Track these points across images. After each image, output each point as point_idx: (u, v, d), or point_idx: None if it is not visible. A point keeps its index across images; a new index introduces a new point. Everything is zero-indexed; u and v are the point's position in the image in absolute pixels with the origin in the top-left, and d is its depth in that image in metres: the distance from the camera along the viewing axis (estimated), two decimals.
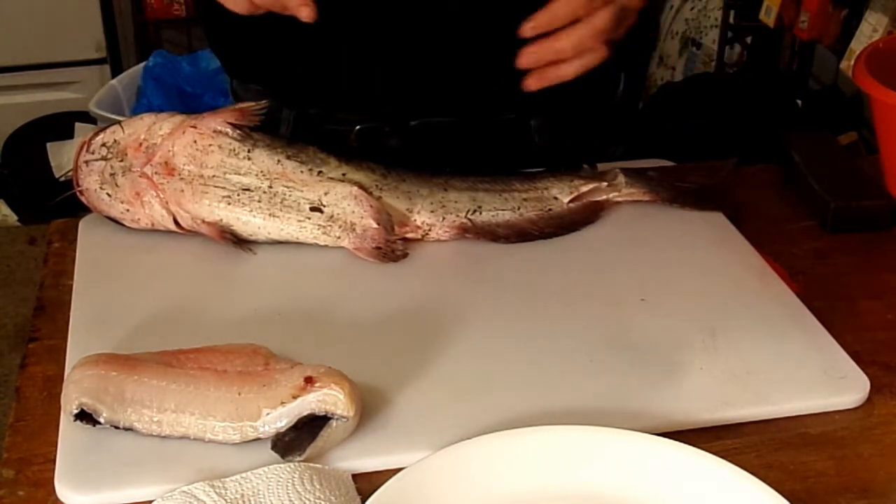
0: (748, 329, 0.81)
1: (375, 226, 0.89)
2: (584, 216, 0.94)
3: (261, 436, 0.69)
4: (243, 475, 0.66)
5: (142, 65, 2.72)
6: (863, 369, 0.77)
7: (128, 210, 0.90)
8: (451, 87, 1.01)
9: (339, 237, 0.89)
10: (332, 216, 0.89)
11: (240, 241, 0.90)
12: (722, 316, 0.82)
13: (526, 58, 0.83)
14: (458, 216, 0.92)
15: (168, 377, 0.70)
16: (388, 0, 0.97)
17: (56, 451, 0.69)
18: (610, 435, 0.68)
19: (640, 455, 0.67)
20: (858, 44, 2.26)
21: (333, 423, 0.68)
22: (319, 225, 0.89)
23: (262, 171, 0.89)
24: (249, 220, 0.89)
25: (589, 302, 0.84)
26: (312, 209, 0.89)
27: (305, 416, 0.68)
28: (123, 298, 0.84)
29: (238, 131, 0.89)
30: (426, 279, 0.87)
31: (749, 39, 2.88)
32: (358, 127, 1.04)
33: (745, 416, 0.74)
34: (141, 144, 0.89)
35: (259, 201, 0.89)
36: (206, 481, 0.66)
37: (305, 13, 0.81)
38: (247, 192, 0.89)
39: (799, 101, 2.64)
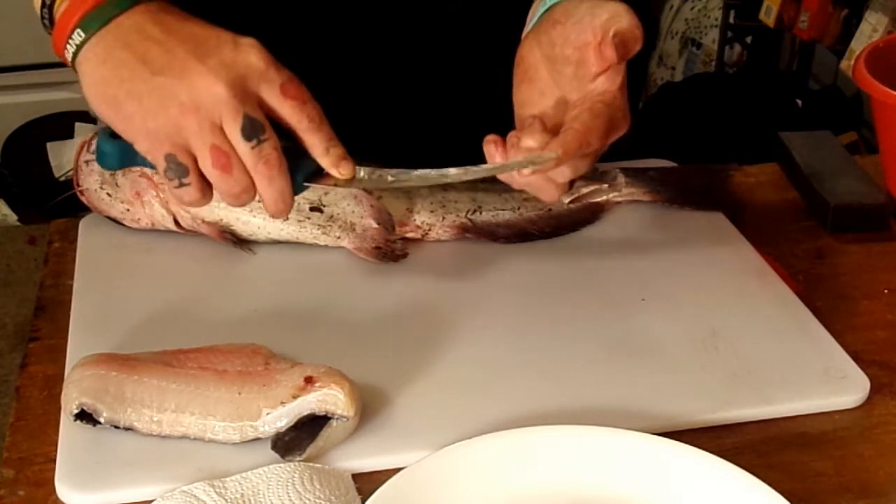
0: (748, 329, 0.81)
1: (375, 226, 0.89)
2: (585, 216, 0.94)
3: (261, 436, 0.69)
4: (243, 475, 0.66)
5: None
6: (863, 369, 0.77)
7: (128, 210, 0.90)
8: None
9: (339, 237, 0.89)
10: (332, 216, 0.89)
11: (240, 241, 0.90)
12: (722, 316, 0.82)
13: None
14: (458, 216, 0.92)
15: (168, 377, 0.70)
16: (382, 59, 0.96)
17: (56, 450, 0.69)
18: (610, 435, 0.68)
19: (640, 455, 0.67)
20: (858, 44, 2.26)
21: (333, 423, 0.68)
22: (319, 225, 0.89)
23: None
24: (249, 220, 0.89)
25: (589, 302, 0.84)
26: (312, 209, 0.89)
27: (305, 416, 0.68)
28: (123, 298, 0.84)
29: None
30: (426, 279, 0.87)
31: (749, 39, 2.88)
32: None
33: (745, 416, 0.74)
34: None
35: (259, 201, 0.88)
36: (206, 481, 0.66)
37: (345, 169, 0.72)
38: None
39: (799, 101, 2.64)
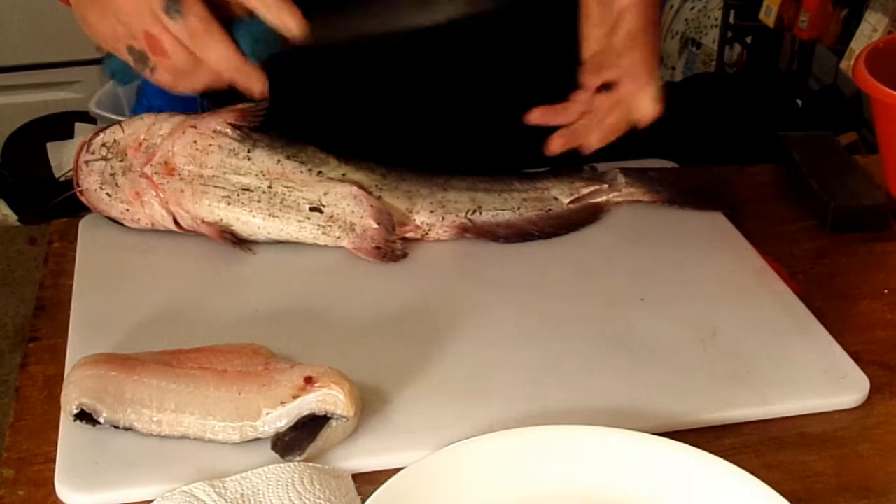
0: (748, 329, 0.81)
1: (375, 225, 0.89)
2: (585, 216, 0.94)
3: (261, 436, 0.69)
4: (243, 475, 0.66)
5: None
6: (863, 369, 0.77)
7: (128, 210, 0.90)
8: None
9: (339, 237, 0.89)
10: (331, 216, 0.89)
11: (240, 241, 0.90)
12: (722, 316, 0.82)
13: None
14: (458, 216, 0.92)
15: (168, 377, 0.70)
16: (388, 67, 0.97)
17: (56, 450, 0.69)
18: (610, 435, 0.68)
19: (640, 455, 0.67)
20: (858, 44, 2.26)
21: (333, 423, 0.68)
22: (319, 225, 0.89)
23: (261, 171, 0.89)
24: (249, 220, 0.89)
25: (589, 302, 0.84)
26: (312, 209, 0.89)
27: (305, 416, 0.68)
28: (123, 298, 0.84)
29: (238, 131, 0.89)
30: (426, 279, 0.87)
31: (749, 39, 2.88)
32: None
33: (745, 416, 0.74)
34: (141, 144, 0.89)
35: (259, 201, 0.89)
36: (206, 481, 0.66)
37: (258, 89, 0.79)
38: (246, 192, 0.89)
39: (799, 101, 2.64)
